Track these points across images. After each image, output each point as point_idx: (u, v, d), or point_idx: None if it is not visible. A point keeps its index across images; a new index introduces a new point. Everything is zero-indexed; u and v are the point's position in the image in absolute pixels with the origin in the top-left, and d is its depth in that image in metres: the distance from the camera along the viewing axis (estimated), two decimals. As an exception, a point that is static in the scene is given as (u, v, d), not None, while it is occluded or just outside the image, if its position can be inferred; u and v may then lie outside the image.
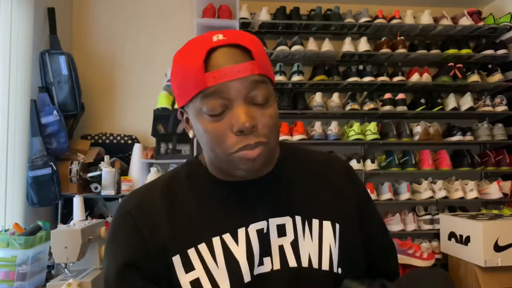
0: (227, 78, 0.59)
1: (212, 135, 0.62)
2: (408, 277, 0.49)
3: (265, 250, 0.66)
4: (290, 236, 0.68)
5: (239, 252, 0.65)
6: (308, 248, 0.68)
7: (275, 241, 0.67)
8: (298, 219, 0.69)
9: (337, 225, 0.71)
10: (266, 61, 0.65)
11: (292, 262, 0.66)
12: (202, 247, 0.65)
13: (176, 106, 2.45)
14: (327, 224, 0.70)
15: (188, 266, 0.64)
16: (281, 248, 0.67)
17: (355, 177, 0.80)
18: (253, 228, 0.66)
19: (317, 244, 0.68)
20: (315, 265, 0.67)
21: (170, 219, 0.67)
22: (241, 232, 0.66)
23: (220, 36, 0.61)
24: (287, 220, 0.68)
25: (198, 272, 0.64)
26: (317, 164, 0.78)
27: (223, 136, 0.61)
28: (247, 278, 0.64)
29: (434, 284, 0.48)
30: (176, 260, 0.64)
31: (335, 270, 0.68)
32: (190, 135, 0.69)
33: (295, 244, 0.68)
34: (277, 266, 0.66)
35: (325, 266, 0.68)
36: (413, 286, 0.45)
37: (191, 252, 0.64)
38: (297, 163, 0.76)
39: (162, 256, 0.64)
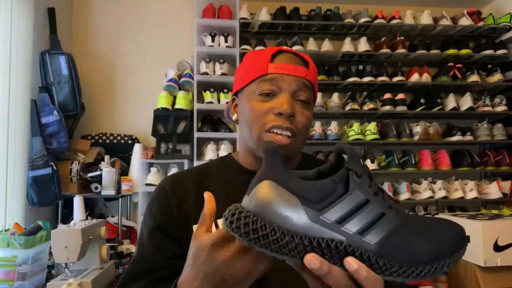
0: (285, 72, 0.72)
1: (256, 112, 0.73)
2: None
3: None
4: None
5: None
6: None
7: None
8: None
9: None
10: (316, 81, 0.78)
11: None
12: (221, 222, 0.71)
13: (176, 106, 2.47)
14: None
15: None
16: None
17: None
18: None
19: None
20: None
21: (197, 195, 0.76)
22: None
23: (289, 48, 0.78)
24: None
25: None
26: None
27: (264, 113, 0.72)
28: None
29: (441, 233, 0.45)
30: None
31: None
32: (234, 117, 0.81)
33: None
34: None
35: None
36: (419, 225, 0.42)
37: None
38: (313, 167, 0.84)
39: (186, 224, 0.75)
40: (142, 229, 0.79)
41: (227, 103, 0.85)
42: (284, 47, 0.77)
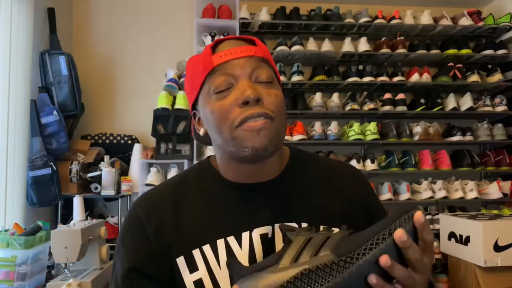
0: (232, 57, 0.63)
1: (218, 112, 0.63)
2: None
3: (270, 254, 0.66)
4: None
5: (242, 256, 0.65)
6: None
7: (280, 247, 0.66)
8: (304, 226, 0.68)
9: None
10: (269, 55, 0.69)
11: None
12: (207, 248, 0.66)
13: (176, 106, 2.47)
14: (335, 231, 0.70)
15: (192, 266, 0.66)
16: None
17: (365, 185, 0.79)
18: (257, 232, 0.67)
19: None
20: None
21: (177, 218, 0.69)
22: (245, 235, 0.67)
23: (228, 35, 0.67)
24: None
25: (202, 272, 0.65)
26: (326, 170, 0.78)
27: (228, 111, 0.62)
28: None
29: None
30: (180, 261, 0.66)
31: None
32: (201, 132, 0.72)
33: None
34: None
35: None
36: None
37: (196, 253, 0.66)
38: (306, 168, 0.76)
39: (166, 257, 0.67)
40: (116, 271, 0.69)
41: (191, 123, 0.75)
42: (222, 37, 0.68)
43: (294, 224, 0.68)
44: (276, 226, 0.68)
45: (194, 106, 0.71)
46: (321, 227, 0.63)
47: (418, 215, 0.50)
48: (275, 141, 0.64)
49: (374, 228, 0.52)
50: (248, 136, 0.62)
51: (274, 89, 0.65)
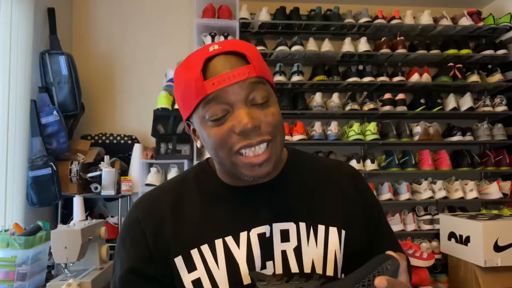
0: (225, 83, 0.61)
1: (216, 139, 0.63)
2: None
3: (268, 254, 0.67)
4: (293, 242, 0.68)
5: (240, 255, 0.66)
6: (312, 254, 0.68)
7: (278, 246, 0.68)
8: (302, 225, 0.69)
9: (343, 231, 0.71)
10: (263, 64, 0.67)
11: (294, 268, 0.67)
12: (205, 248, 0.67)
13: (176, 107, 2.47)
14: (333, 230, 0.70)
15: (191, 266, 0.66)
16: (283, 253, 0.68)
17: (363, 183, 0.80)
18: (254, 232, 0.68)
19: (322, 250, 0.69)
20: (319, 270, 0.68)
21: (175, 218, 0.69)
22: (243, 235, 0.67)
23: (216, 46, 0.64)
24: (290, 226, 0.69)
25: (200, 272, 0.66)
26: (324, 169, 0.79)
27: (226, 138, 0.62)
28: (246, 280, 0.65)
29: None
30: (179, 261, 0.67)
31: (339, 276, 0.69)
32: (198, 145, 0.71)
33: (298, 251, 0.68)
34: (279, 270, 0.67)
35: (330, 272, 0.68)
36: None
37: (194, 253, 0.67)
38: (304, 168, 0.77)
39: (165, 258, 0.67)
40: (115, 271, 0.70)
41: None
42: (210, 50, 0.64)
43: (292, 224, 0.69)
44: (274, 225, 0.68)
45: (188, 118, 0.70)
46: (281, 276, 0.65)
47: (378, 284, 0.49)
48: (276, 161, 0.66)
49: (345, 283, 0.53)
50: (249, 168, 0.63)
51: (270, 107, 0.65)
